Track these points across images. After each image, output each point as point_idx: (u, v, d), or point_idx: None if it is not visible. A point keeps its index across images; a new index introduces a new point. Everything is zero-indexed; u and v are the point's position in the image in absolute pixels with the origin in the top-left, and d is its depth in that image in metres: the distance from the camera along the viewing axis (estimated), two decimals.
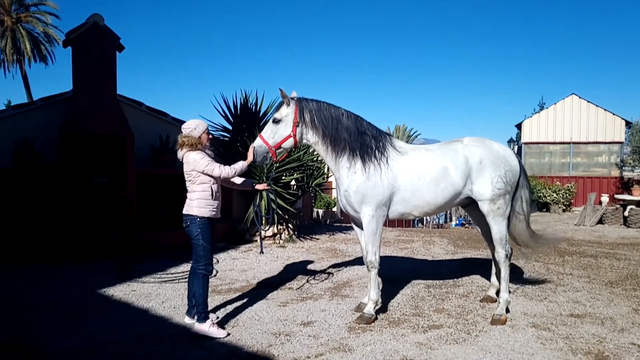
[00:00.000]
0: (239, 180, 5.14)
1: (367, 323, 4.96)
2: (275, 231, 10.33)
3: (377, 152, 4.97)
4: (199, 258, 4.71)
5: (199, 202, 4.70)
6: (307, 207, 14.91)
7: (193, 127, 4.81)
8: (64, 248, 8.30)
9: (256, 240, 10.18)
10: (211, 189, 4.77)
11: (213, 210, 4.78)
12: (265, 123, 10.76)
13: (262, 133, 4.92)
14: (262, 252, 6.20)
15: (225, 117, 10.96)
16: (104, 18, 9.15)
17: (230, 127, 10.96)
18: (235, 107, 10.87)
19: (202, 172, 4.70)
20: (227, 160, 10.62)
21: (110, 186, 9.37)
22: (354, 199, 4.95)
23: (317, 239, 10.74)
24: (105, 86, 9.21)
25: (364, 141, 4.96)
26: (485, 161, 5.05)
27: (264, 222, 9.96)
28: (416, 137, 44.04)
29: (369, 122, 5.12)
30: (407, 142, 41.73)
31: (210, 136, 4.92)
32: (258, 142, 4.89)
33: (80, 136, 9.16)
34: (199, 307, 4.70)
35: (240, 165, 4.89)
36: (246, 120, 10.70)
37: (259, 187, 5.21)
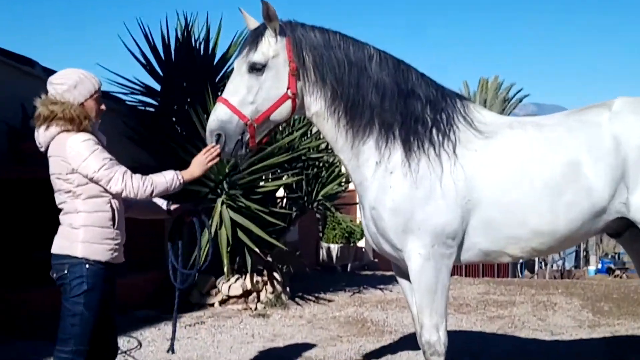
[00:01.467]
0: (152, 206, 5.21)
1: None
2: (249, 287, 10.42)
3: (434, 131, 4.97)
4: (66, 337, 4.69)
5: (87, 232, 4.69)
6: (308, 240, 14.94)
7: (71, 83, 4.72)
8: None
9: (212, 305, 10.11)
10: (112, 207, 4.77)
11: (114, 249, 4.80)
12: (227, 76, 10.83)
13: (228, 95, 4.86)
14: (171, 350, 5.91)
15: (148, 68, 10.95)
16: None
17: (158, 87, 10.94)
18: (166, 46, 10.89)
19: (91, 179, 4.64)
20: (154, 152, 10.58)
21: None
22: (389, 224, 4.98)
23: (329, 301, 10.84)
24: None
25: (409, 110, 4.99)
26: None
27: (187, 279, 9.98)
28: (521, 101, 44.13)
29: (423, 75, 5.16)
30: (502, 110, 42.06)
31: (103, 106, 4.88)
32: (222, 112, 4.80)
33: None
34: None
35: (168, 180, 4.82)
36: (189, 73, 10.67)
37: (178, 210, 5.30)
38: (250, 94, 4.81)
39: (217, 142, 4.77)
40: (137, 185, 4.68)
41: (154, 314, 9.84)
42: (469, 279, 14.87)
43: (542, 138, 5.02)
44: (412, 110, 4.95)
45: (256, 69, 4.81)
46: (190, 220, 5.30)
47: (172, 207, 5.24)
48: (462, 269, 18.20)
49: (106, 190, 4.72)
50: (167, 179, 4.80)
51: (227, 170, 9.58)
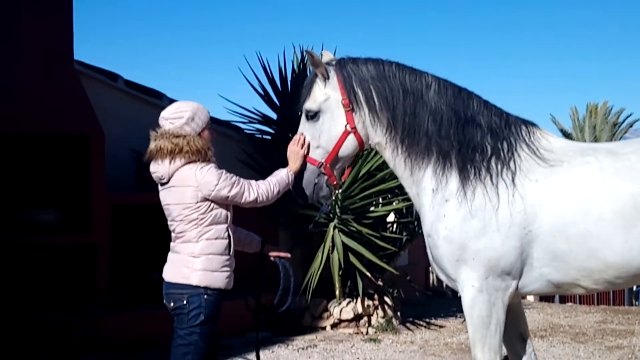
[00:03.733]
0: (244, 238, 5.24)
1: None
2: (360, 311, 10.36)
3: (493, 160, 4.84)
4: None
5: (207, 261, 4.77)
6: (418, 264, 14.78)
7: (188, 116, 4.85)
8: None
9: (324, 328, 10.14)
10: (228, 234, 4.88)
11: (229, 275, 4.87)
12: None
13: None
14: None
15: (266, 97, 11.15)
16: None
17: (274, 116, 11.12)
18: (283, 77, 11.04)
19: (225, 200, 4.77)
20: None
21: (62, 226, 9.64)
22: (443, 253, 4.87)
23: (441, 327, 10.72)
24: (53, 44, 9.53)
25: (467, 138, 4.88)
26: None
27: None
28: (631, 126, 42.77)
29: (487, 102, 5.05)
30: (612, 135, 40.77)
31: (214, 134, 5.04)
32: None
33: (9, 136, 9.48)
34: None
35: (284, 175, 4.98)
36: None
37: (272, 253, 5.31)
38: (314, 139, 4.94)
39: (296, 193, 5.00)
40: (266, 189, 4.85)
41: (268, 335, 9.87)
42: (585, 307, 14.38)
43: (615, 166, 4.74)
44: (471, 138, 4.84)
45: (311, 116, 4.93)
46: (273, 260, 5.31)
47: (266, 249, 5.30)
48: (576, 297, 17.68)
49: (227, 218, 4.85)
50: (284, 176, 4.94)
51: (339, 195, 9.62)
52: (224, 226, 4.82)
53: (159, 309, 5.06)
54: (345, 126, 4.88)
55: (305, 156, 5.01)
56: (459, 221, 4.76)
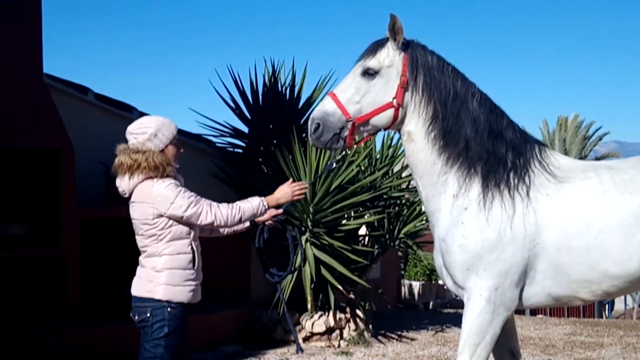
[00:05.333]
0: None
1: None
2: (332, 324, 10.38)
3: (513, 174, 4.96)
4: None
5: (170, 276, 4.79)
6: (390, 277, 14.88)
7: (151, 131, 4.87)
8: None
9: (294, 341, 10.13)
10: (192, 249, 4.89)
11: (194, 289, 4.90)
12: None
13: (338, 91, 5.02)
14: (300, 350, 6.04)
15: (237, 111, 11.18)
16: None
17: (245, 129, 11.14)
18: (254, 90, 11.09)
19: (181, 219, 4.77)
20: (241, 189, 10.75)
21: (32, 240, 9.55)
22: (456, 260, 4.94)
23: (412, 340, 10.77)
24: (24, 58, 9.50)
25: (495, 151, 5.00)
26: None
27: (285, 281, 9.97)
28: (601, 139, 43.25)
29: (512, 121, 5.19)
30: (582, 148, 41.31)
31: (181, 150, 5.06)
32: (329, 105, 4.97)
33: None
34: None
35: (254, 205, 4.97)
36: (275, 116, 10.84)
37: (268, 215, 5.25)
38: (357, 94, 4.94)
39: (315, 131, 4.92)
40: (227, 213, 4.82)
41: (240, 349, 9.86)
42: (555, 319, 14.50)
43: (614, 181, 4.92)
44: (497, 151, 4.96)
45: (369, 73, 4.94)
46: (270, 223, 5.34)
47: (268, 212, 5.23)
48: (546, 310, 17.85)
49: (189, 232, 4.86)
50: (254, 205, 4.94)
51: (311, 209, 9.65)
52: (186, 241, 4.84)
53: (130, 323, 5.06)
54: (393, 99, 4.94)
55: (293, 198, 5.10)
56: (476, 230, 4.86)
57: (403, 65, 4.93)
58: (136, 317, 4.82)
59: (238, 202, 4.91)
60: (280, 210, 5.34)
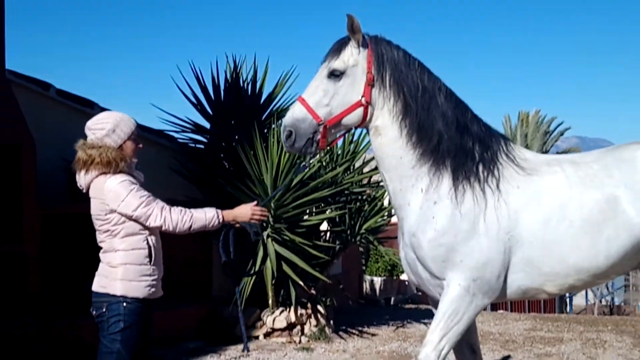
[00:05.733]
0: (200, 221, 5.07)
1: None
2: (293, 320, 10.41)
3: (482, 167, 4.98)
4: None
5: (125, 271, 4.80)
6: (351, 273, 14.91)
7: (109, 127, 4.88)
8: None
9: (257, 337, 10.20)
10: (148, 244, 4.89)
11: (151, 285, 4.89)
12: (273, 114, 10.97)
13: (306, 95, 4.99)
14: (246, 349, 6.05)
15: (199, 106, 11.17)
16: None
17: (207, 125, 11.14)
18: (216, 87, 11.09)
19: (131, 218, 4.77)
20: (203, 186, 10.76)
21: None
22: (429, 254, 4.95)
23: (373, 335, 10.82)
24: None
25: (463, 144, 5.02)
26: None
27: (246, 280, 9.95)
28: (562, 134, 43.68)
29: (475, 114, 5.23)
30: (544, 143, 41.67)
31: (140, 145, 5.03)
32: (299, 111, 4.94)
33: None
34: None
35: (208, 217, 4.90)
36: (237, 112, 10.84)
37: (243, 210, 5.11)
38: (326, 97, 4.91)
39: (288, 138, 4.89)
40: (176, 219, 4.79)
41: (201, 345, 9.83)
42: (515, 315, 14.63)
43: (579, 176, 5.01)
44: (465, 145, 4.98)
45: (335, 75, 4.91)
46: (240, 226, 5.18)
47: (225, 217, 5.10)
48: (507, 305, 17.98)
49: (144, 228, 4.84)
50: (208, 216, 4.88)
51: (272, 204, 9.65)
52: (142, 237, 4.83)
53: (91, 318, 5.04)
54: (362, 98, 4.93)
55: (250, 220, 5.05)
56: (448, 223, 4.86)
57: (368, 63, 4.92)
58: (94, 312, 4.82)
59: (192, 210, 4.85)
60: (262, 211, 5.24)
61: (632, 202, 4.87)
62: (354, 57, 4.94)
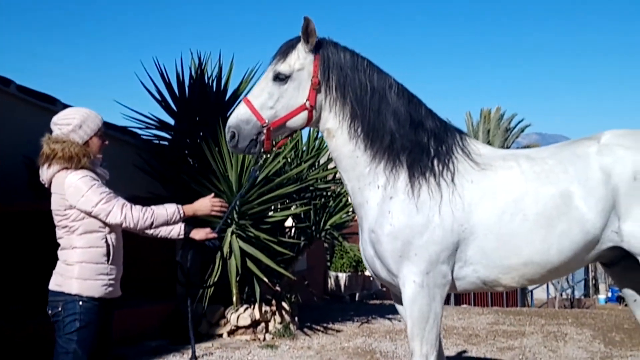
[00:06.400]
0: (166, 230, 5.18)
1: None
2: (257, 317, 10.42)
3: (437, 161, 5.06)
4: None
5: (82, 269, 4.76)
6: (316, 269, 14.96)
7: (75, 123, 4.87)
8: None
9: (220, 335, 10.17)
10: (106, 243, 4.86)
11: (109, 284, 4.86)
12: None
13: (252, 97, 5.04)
14: (195, 358, 6.10)
15: (163, 104, 11.13)
16: None
17: (172, 122, 11.10)
18: (180, 83, 11.11)
19: (90, 214, 4.74)
20: (167, 183, 10.71)
21: None
22: (387, 249, 5.02)
23: (338, 331, 10.85)
24: None
25: (418, 140, 5.09)
26: None
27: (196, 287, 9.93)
28: (522, 131, 44.25)
29: (429, 109, 5.30)
30: (505, 140, 42.20)
31: (106, 142, 5.03)
32: (243, 112, 4.98)
33: None
34: None
35: (169, 212, 4.95)
36: (201, 108, 10.82)
37: (196, 235, 5.25)
38: (271, 99, 4.96)
39: (231, 139, 4.96)
40: (137, 216, 4.79)
41: (164, 343, 9.82)
42: (478, 309, 14.77)
43: (534, 171, 5.08)
44: (420, 140, 5.04)
45: (280, 78, 4.96)
46: (201, 241, 5.27)
47: (192, 233, 5.25)
48: (470, 299, 18.15)
49: (104, 225, 4.81)
50: (169, 212, 4.91)
51: (237, 196, 9.64)
52: (100, 234, 4.80)
53: (48, 318, 4.98)
54: (306, 102, 4.98)
55: (211, 215, 5.16)
56: (405, 218, 4.92)
57: (314, 67, 4.97)
58: (50, 312, 4.77)
59: (153, 207, 4.86)
60: (214, 235, 5.31)
61: (585, 198, 4.95)
62: (300, 61, 4.99)
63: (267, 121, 4.92)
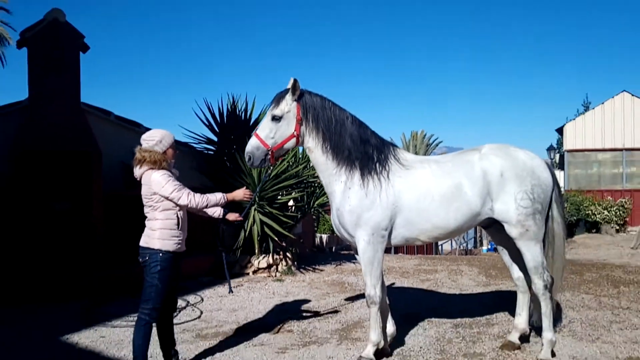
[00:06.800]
0: (211, 211, 5.16)
1: None
2: (271, 262, 10.39)
3: (378, 164, 5.08)
4: (147, 299, 4.72)
5: (161, 233, 4.76)
6: (308, 232, 14.95)
7: (158, 139, 4.85)
8: (18, 288, 8.30)
9: (248, 273, 10.19)
10: (177, 216, 4.83)
11: (178, 243, 4.84)
12: None
13: (259, 132, 5.01)
14: (230, 291, 6.16)
15: (209, 127, 11.13)
16: (65, 14, 9.32)
17: (215, 139, 11.11)
18: (221, 114, 11.06)
19: (167, 198, 4.75)
20: (212, 179, 10.77)
21: (73, 212, 9.43)
22: (347, 220, 5.06)
23: (321, 271, 10.80)
24: (67, 93, 9.34)
25: (366, 151, 5.09)
26: (507, 174, 5.08)
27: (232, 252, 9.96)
28: (437, 145, 44.29)
29: (373, 131, 5.28)
30: (426, 151, 42.29)
31: (177, 152, 5.03)
32: (254, 143, 4.98)
33: (38, 152, 9.24)
34: (135, 359, 4.65)
35: (217, 198, 4.95)
36: (234, 130, 10.86)
37: (231, 217, 5.23)
38: (271, 133, 4.96)
39: (249, 160, 4.96)
40: (197, 200, 4.80)
41: (211, 279, 9.69)
42: (409, 256, 14.73)
43: (439, 169, 5.16)
44: (367, 152, 5.07)
45: (275, 119, 4.97)
46: (233, 221, 5.25)
47: (228, 215, 5.22)
48: (404, 250, 18.16)
49: (176, 205, 4.79)
50: (217, 197, 4.92)
51: (258, 189, 9.70)
52: (173, 211, 4.78)
53: (139, 265, 5.04)
54: (294, 132, 4.99)
55: (243, 200, 5.09)
56: (358, 200, 4.97)
57: (297, 110, 4.98)
58: (140, 260, 4.79)
59: (207, 194, 4.87)
60: (241, 218, 5.28)
61: (470, 187, 5.06)
62: (288, 107, 4.98)
63: (270, 146, 4.95)
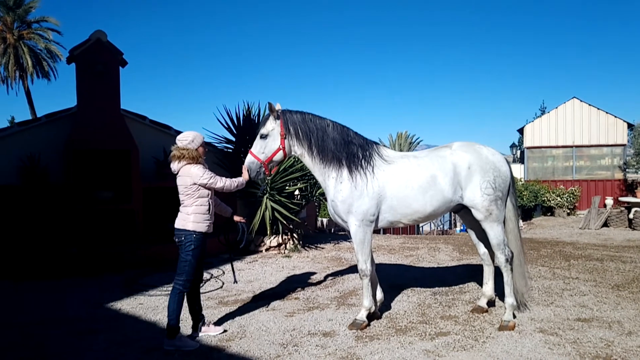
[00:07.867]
0: (223, 211, 5.23)
1: (359, 328, 5.08)
2: (280, 241, 10.39)
3: (363, 161, 5.02)
4: (181, 272, 4.74)
5: (195, 217, 4.75)
6: (311, 216, 14.95)
7: (190, 139, 4.83)
8: (71, 263, 8.35)
9: (261, 251, 10.22)
10: (209, 203, 4.83)
11: (208, 226, 4.83)
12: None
13: (252, 149, 5.04)
14: (235, 281, 6.17)
15: (228, 129, 11.10)
16: (106, 34, 9.30)
17: (233, 139, 11.09)
18: (237, 118, 11.01)
19: (204, 186, 4.76)
20: (231, 172, 10.77)
21: (116, 200, 9.45)
22: (340, 209, 5.03)
23: (322, 248, 10.79)
24: (109, 101, 9.33)
25: (350, 151, 5.02)
26: (473, 166, 5.04)
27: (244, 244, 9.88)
28: (418, 143, 44.17)
29: (356, 132, 5.20)
30: (409, 148, 42.04)
31: (206, 149, 4.99)
32: (249, 159, 5.02)
33: (85, 151, 9.28)
34: (170, 321, 4.67)
35: (241, 180, 5.00)
36: (249, 132, 10.83)
37: (236, 218, 5.26)
38: (261, 148, 5.00)
39: (248, 172, 5.00)
40: (230, 184, 4.86)
41: (229, 256, 9.80)
42: (395, 236, 14.64)
43: (417, 163, 5.14)
44: (352, 151, 5.03)
45: (263, 137, 5.00)
46: (238, 221, 5.30)
47: (234, 217, 5.28)
48: (391, 231, 18.14)
49: (208, 194, 4.78)
50: (241, 180, 4.98)
51: (269, 180, 9.72)
52: (206, 199, 4.80)
53: (172, 243, 5.07)
54: (280, 146, 4.99)
55: (249, 172, 5.01)
56: (348, 192, 4.95)
57: (280, 127, 4.98)
58: (176, 240, 4.80)
59: (234, 178, 4.95)
60: (244, 220, 5.29)
61: (443, 178, 5.02)
62: (272, 125, 5.00)
63: (262, 160, 4.98)
